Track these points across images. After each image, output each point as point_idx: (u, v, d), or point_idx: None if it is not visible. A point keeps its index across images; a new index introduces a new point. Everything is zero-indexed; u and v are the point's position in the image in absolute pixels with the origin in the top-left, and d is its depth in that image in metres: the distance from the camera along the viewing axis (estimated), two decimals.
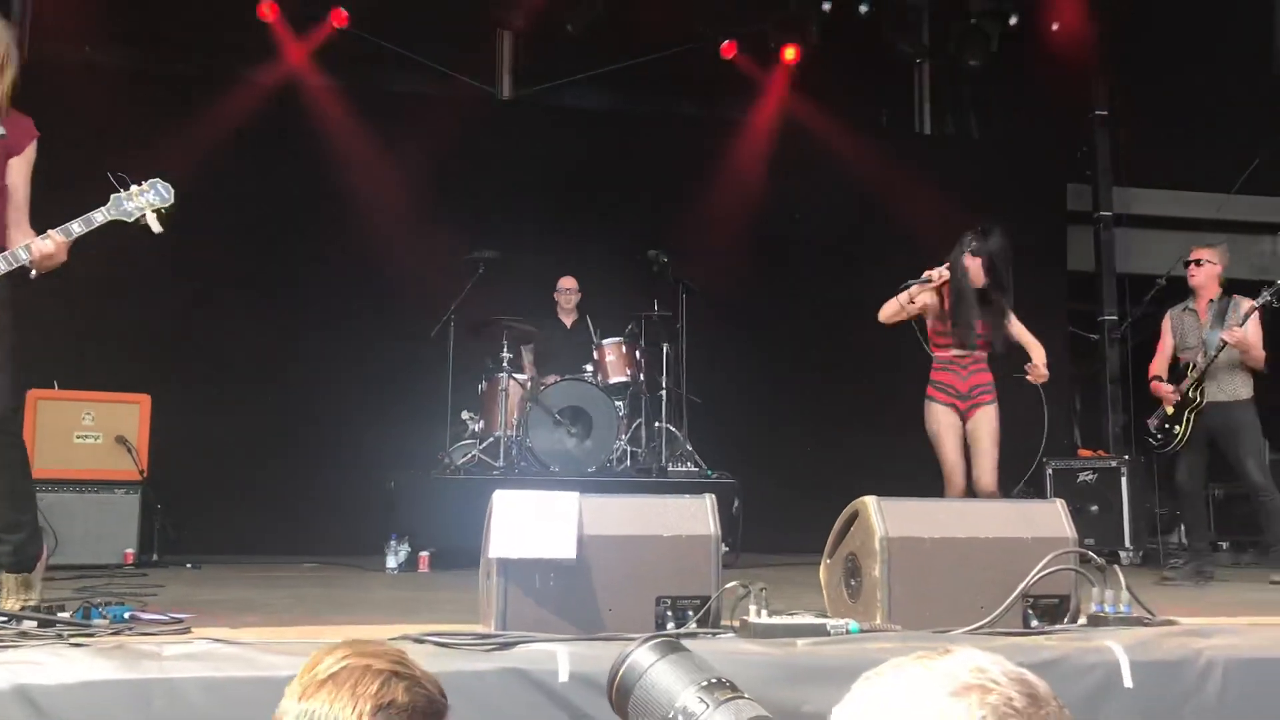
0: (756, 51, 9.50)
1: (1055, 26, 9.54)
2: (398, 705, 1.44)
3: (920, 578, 3.39)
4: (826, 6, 9.22)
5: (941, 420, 5.64)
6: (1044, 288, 9.83)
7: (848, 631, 3.08)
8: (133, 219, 3.70)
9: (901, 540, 3.40)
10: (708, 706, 1.12)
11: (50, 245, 3.58)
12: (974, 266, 5.67)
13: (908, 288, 5.56)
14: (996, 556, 3.45)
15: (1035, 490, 7.97)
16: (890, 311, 5.66)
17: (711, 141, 9.50)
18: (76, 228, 3.62)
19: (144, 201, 3.70)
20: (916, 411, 6.04)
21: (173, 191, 3.75)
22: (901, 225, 8.93)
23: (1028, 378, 5.69)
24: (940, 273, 5.59)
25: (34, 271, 3.62)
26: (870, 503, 3.49)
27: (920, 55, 10.11)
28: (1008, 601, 3.30)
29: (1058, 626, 3.40)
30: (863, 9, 9.28)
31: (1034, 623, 3.44)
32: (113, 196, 3.68)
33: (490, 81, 9.52)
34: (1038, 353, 5.72)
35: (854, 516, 3.57)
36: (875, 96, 10.57)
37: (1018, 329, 5.82)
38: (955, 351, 5.68)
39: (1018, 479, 7.85)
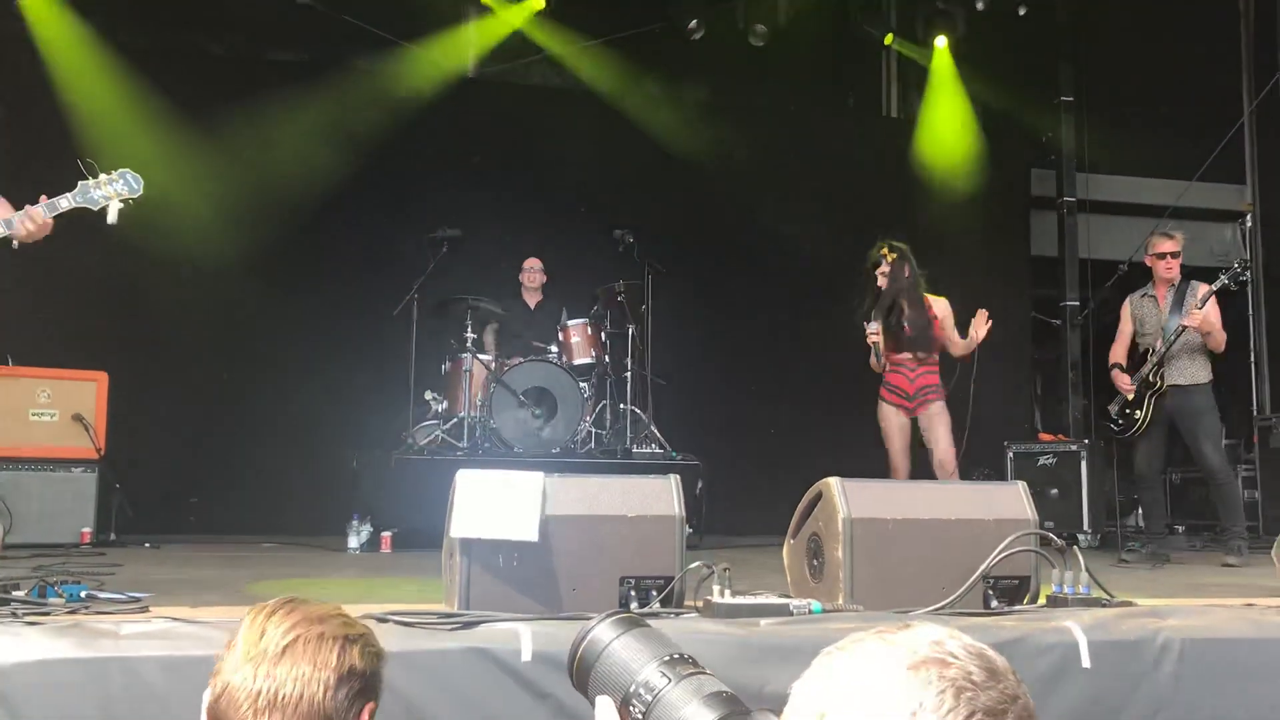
0: (725, 32, 9.48)
1: (1021, 11, 9.56)
2: (357, 671, 1.46)
3: (882, 558, 3.40)
4: None
5: (890, 419, 6.18)
6: (1007, 272, 9.94)
7: (810, 612, 3.09)
8: (98, 207, 3.66)
9: (864, 521, 3.41)
10: (669, 681, 1.11)
11: (32, 225, 3.55)
12: (882, 280, 6.19)
13: (875, 353, 6.10)
14: (958, 538, 3.48)
15: (996, 473, 8.03)
16: (875, 366, 6.18)
17: (679, 121, 9.47)
18: (42, 211, 3.58)
19: (111, 191, 3.66)
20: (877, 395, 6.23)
21: (142, 183, 3.71)
22: (867, 208, 8.97)
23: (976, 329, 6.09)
24: (873, 332, 6.08)
25: (15, 243, 3.59)
26: (834, 484, 3.50)
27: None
28: (969, 582, 3.33)
29: (1018, 607, 3.44)
30: None
31: (994, 603, 3.47)
32: (80, 184, 3.63)
33: (457, 58, 9.43)
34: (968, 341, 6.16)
35: (817, 497, 3.58)
36: (843, 78, 10.59)
37: (950, 333, 6.22)
38: (904, 355, 6.14)
39: (978, 463, 7.91)
